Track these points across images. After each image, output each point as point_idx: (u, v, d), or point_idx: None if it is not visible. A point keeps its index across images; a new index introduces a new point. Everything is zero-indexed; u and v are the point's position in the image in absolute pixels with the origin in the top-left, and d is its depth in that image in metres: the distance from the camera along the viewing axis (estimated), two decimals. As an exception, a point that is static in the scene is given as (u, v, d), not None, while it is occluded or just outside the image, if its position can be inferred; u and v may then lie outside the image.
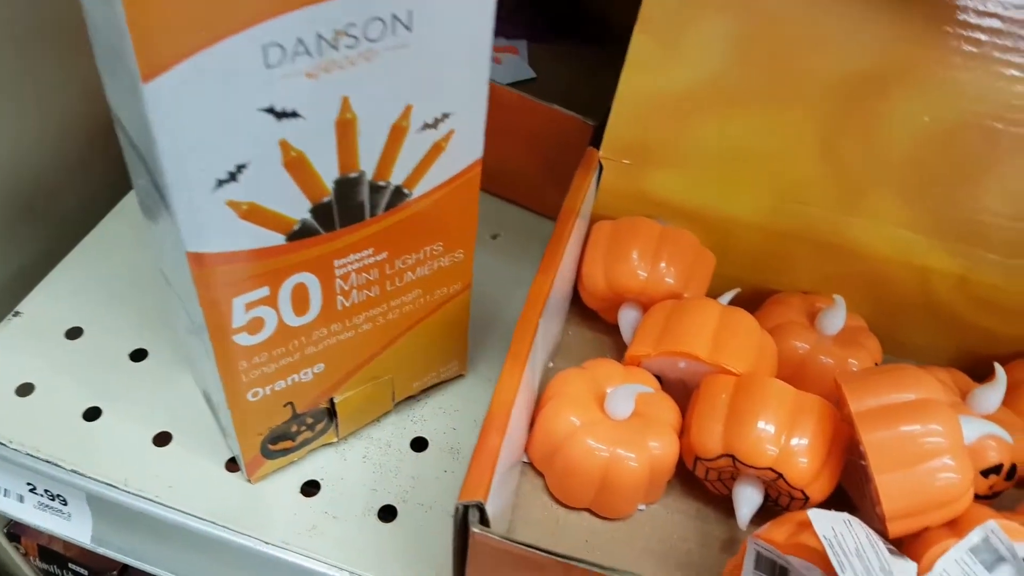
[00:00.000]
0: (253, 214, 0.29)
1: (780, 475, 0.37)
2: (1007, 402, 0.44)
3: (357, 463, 0.42)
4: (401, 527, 0.40)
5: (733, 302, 0.46)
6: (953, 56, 0.41)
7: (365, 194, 0.32)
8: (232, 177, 0.28)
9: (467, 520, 0.30)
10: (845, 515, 0.34)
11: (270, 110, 0.27)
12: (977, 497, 0.40)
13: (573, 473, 0.39)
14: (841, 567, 0.31)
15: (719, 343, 0.40)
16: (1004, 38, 0.40)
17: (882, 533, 0.35)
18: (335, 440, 0.42)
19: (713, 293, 0.47)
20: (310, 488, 0.41)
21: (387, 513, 0.40)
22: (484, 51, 0.31)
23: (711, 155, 0.45)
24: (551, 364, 0.47)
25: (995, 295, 0.45)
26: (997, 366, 0.41)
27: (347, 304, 0.35)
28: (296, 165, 0.29)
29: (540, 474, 0.42)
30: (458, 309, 0.41)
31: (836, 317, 0.44)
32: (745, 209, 0.46)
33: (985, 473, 0.40)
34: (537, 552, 0.29)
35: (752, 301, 0.49)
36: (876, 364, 0.45)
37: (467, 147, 0.34)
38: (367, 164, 0.31)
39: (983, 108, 0.42)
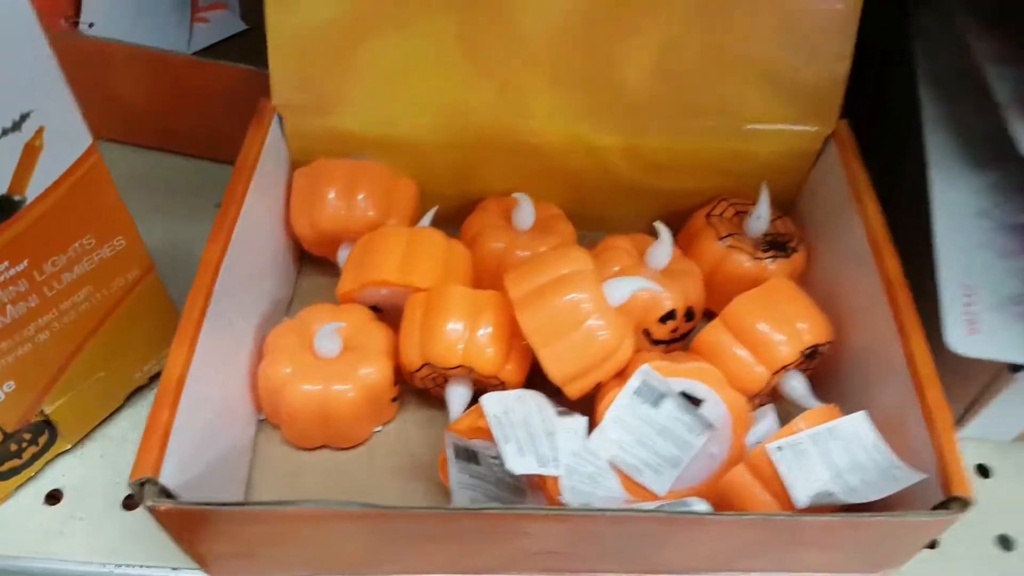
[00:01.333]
0: None
1: (472, 369, 0.40)
2: (690, 250, 0.49)
3: (96, 462, 0.43)
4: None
5: (439, 219, 0.49)
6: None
7: (-32, 212, 0.32)
8: None
9: (143, 496, 0.32)
10: (520, 391, 0.38)
11: None
12: (663, 342, 0.45)
13: (297, 418, 0.41)
14: (505, 439, 0.35)
15: (407, 265, 0.43)
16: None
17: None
18: (70, 446, 0.43)
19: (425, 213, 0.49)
20: (54, 498, 0.42)
21: (135, 502, 0.42)
22: (36, 41, 0.31)
23: (376, 83, 0.47)
24: (286, 318, 0.49)
25: (660, 157, 0.49)
26: (657, 225, 0.45)
27: (7, 321, 0.36)
28: None
29: (278, 427, 0.44)
30: (150, 294, 0.42)
31: (524, 213, 0.47)
32: (424, 130, 0.48)
33: (663, 320, 0.44)
34: (207, 507, 0.31)
35: (464, 212, 0.51)
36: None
37: (69, 139, 0.34)
38: (-46, 184, 0.31)
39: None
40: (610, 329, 0.38)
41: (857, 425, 0.37)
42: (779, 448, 0.36)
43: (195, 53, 0.64)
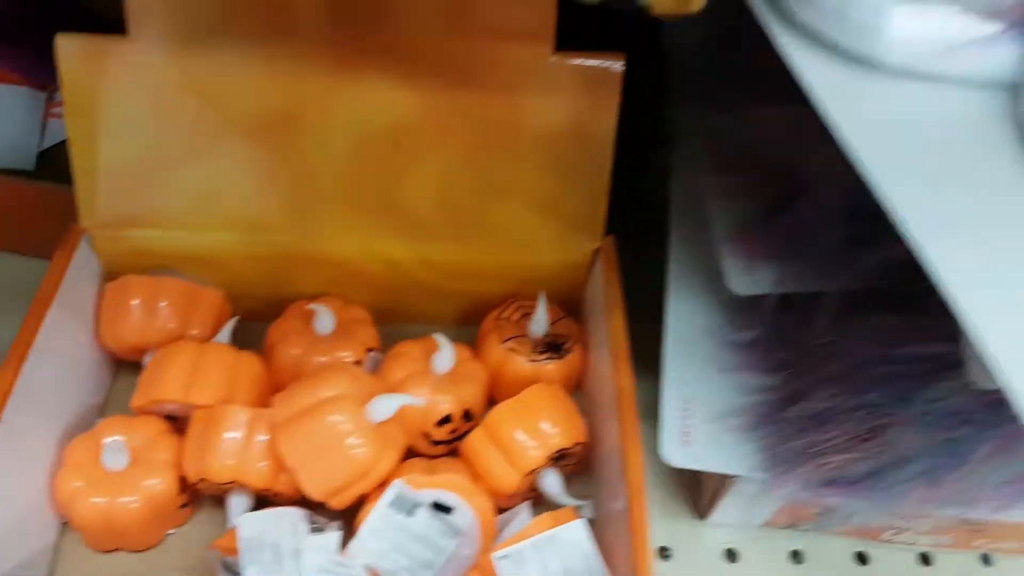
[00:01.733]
0: None
1: (242, 484, 0.44)
2: (480, 350, 0.53)
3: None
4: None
5: (254, 319, 0.52)
6: (350, 85, 0.48)
7: None
8: None
9: None
10: (279, 510, 0.42)
11: None
12: (443, 442, 0.49)
13: (89, 528, 0.45)
14: (248, 563, 0.39)
15: (193, 381, 0.46)
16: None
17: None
18: None
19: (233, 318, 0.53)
20: None
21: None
22: None
23: (180, 205, 0.50)
24: (100, 420, 0.52)
25: (453, 267, 0.53)
26: (436, 336, 0.50)
27: None
28: None
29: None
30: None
31: (322, 321, 0.51)
32: (228, 245, 0.52)
33: (440, 423, 0.48)
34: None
35: (278, 313, 0.55)
36: (370, 349, 0.52)
37: None
38: None
39: (386, 119, 0.48)
40: (368, 447, 0.42)
41: (575, 533, 0.41)
42: (502, 557, 0.40)
43: (49, 148, 0.66)
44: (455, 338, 0.53)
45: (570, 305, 0.56)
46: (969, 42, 0.33)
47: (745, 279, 0.43)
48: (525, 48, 0.47)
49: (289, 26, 0.45)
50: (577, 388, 0.55)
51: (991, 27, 0.33)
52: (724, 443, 0.43)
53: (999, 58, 0.33)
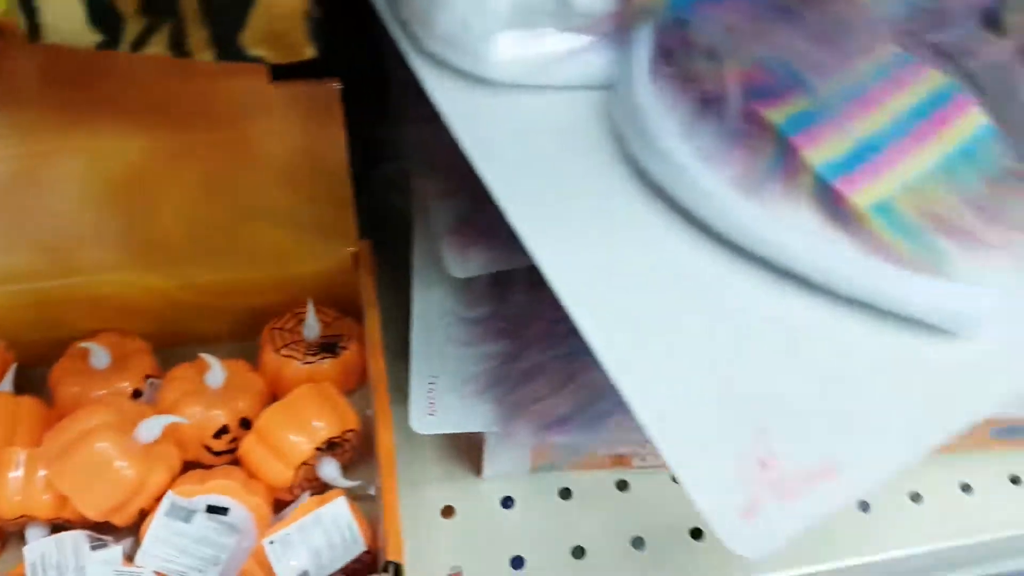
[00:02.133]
0: None
1: (32, 517, 0.47)
2: (259, 361, 0.58)
3: None
4: None
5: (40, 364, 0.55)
6: (78, 139, 0.51)
7: None
8: None
9: None
10: (61, 535, 0.46)
11: None
12: (226, 452, 0.54)
13: None
14: (28, 587, 0.42)
15: (-33, 430, 0.49)
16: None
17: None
18: None
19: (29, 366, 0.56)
20: None
21: None
22: None
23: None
24: None
25: (217, 288, 0.57)
26: (203, 356, 0.54)
27: None
28: None
29: None
30: None
31: (96, 357, 0.55)
32: (-3, 298, 0.54)
33: (218, 435, 0.53)
34: None
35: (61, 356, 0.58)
36: (148, 376, 0.56)
37: None
38: None
39: (122, 164, 0.52)
40: (135, 467, 0.47)
41: (337, 510, 0.47)
42: (270, 542, 0.46)
43: None
44: (239, 353, 0.58)
45: (351, 306, 0.61)
46: (566, 54, 0.40)
47: (461, 264, 0.49)
48: (242, 82, 0.51)
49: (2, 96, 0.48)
50: (361, 381, 0.61)
51: (584, 40, 0.40)
52: (463, 408, 0.50)
53: (593, 65, 0.40)
